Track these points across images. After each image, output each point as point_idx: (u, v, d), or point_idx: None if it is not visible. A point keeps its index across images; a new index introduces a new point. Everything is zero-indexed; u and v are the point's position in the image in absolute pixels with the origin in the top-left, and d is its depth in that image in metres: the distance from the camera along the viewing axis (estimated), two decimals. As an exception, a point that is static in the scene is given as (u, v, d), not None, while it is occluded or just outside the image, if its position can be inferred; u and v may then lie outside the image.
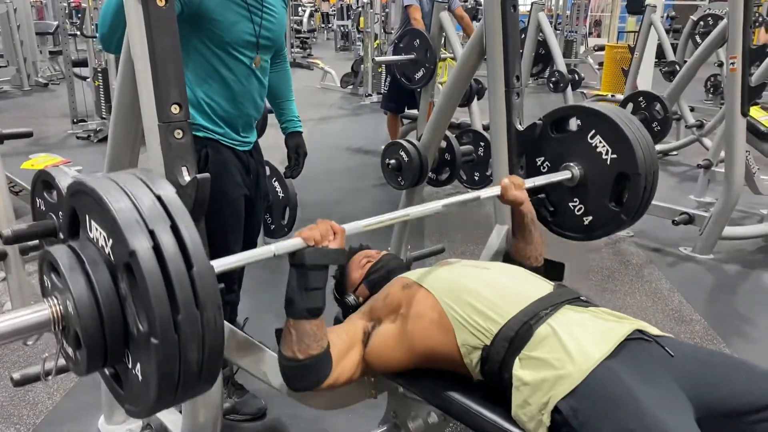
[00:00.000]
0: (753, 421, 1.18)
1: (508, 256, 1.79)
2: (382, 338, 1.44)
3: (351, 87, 9.57)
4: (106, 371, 1.07)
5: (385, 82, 5.28)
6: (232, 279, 1.91)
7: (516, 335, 1.30)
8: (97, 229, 0.97)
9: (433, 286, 1.45)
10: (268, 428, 2.09)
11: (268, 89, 1.99)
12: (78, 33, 6.90)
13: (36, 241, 2.13)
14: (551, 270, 1.73)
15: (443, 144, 3.38)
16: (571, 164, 1.78)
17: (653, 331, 1.32)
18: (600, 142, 1.73)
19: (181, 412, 1.50)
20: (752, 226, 3.94)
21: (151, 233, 0.91)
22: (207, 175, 1.26)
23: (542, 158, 1.87)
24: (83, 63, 6.86)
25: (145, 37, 1.21)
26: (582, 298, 1.43)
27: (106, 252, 0.96)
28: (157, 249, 0.90)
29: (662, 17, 8.06)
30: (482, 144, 3.72)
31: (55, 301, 0.99)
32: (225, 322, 1.37)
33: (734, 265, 3.57)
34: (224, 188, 1.83)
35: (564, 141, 1.82)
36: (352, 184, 4.82)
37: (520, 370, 1.26)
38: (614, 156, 1.71)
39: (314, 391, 1.39)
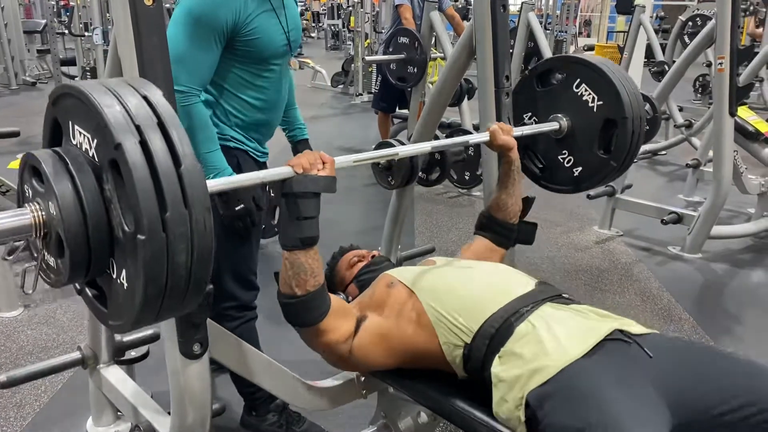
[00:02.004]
0: (735, 420, 1.17)
1: (487, 214, 1.75)
2: (367, 334, 1.44)
3: (341, 86, 9.56)
4: (88, 292, 1.04)
5: (376, 81, 5.28)
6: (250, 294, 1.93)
7: (496, 333, 1.31)
8: (80, 133, 0.95)
9: (415, 285, 1.45)
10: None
11: None
12: (66, 31, 6.85)
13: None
14: (523, 210, 1.75)
15: (433, 143, 3.38)
16: (559, 115, 1.78)
17: (636, 329, 1.31)
18: (586, 90, 1.73)
19: (169, 413, 1.49)
20: (740, 226, 3.96)
21: (138, 129, 0.88)
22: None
23: (529, 113, 1.86)
24: (71, 62, 6.83)
25: (132, 36, 1.20)
26: (564, 295, 1.44)
27: (90, 154, 0.94)
28: (144, 144, 0.87)
29: (651, 17, 8.10)
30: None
31: (37, 206, 0.96)
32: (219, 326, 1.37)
33: (722, 264, 3.59)
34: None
35: (550, 94, 1.82)
36: (343, 184, 4.79)
37: (498, 367, 1.27)
38: (600, 102, 1.71)
39: (312, 334, 1.39)
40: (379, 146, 2.52)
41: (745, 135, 3.75)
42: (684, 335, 2.75)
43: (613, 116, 1.70)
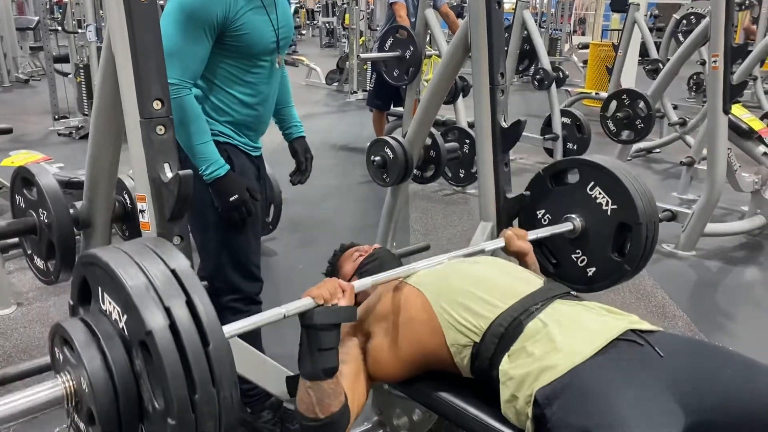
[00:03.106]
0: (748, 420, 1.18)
1: None
2: (376, 352, 1.44)
3: (336, 84, 9.54)
4: None
5: (371, 79, 5.28)
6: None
7: (506, 331, 1.30)
8: (110, 303, 0.96)
9: (422, 286, 1.44)
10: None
11: None
12: (59, 28, 6.81)
13: (16, 239, 2.10)
14: None
15: (428, 141, 3.38)
16: (572, 216, 1.78)
17: (644, 326, 1.31)
18: (600, 193, 1.73)
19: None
20: (734, 223, 3.97)
21: (167, 310, 0.90)
22: (189, 171, 1.24)
23: (543, 211, 1.86)
24: (65, 59, 6.78)
25: (126, 32, 1.20)
26: (572, 293, 1.44)
27: (120, 326, 0.95)
28: (173, 327, 0.89)
29: (646, 15, 8.12)
30: (467, 141, 3.73)
31: (68, 376, 0.98)
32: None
33: (716, 262, 3.60)
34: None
35: (564, 193, 1.82)
36: (338, 181, 4.80)
37: (507, 365, 1.26)
38: (614, 207, 1.71)
39: None
40: (374, 143, 2.53)
41: (739, 133, 3.76)
42: (679, 333, 2.76)
43: (627, 221, 1.70)
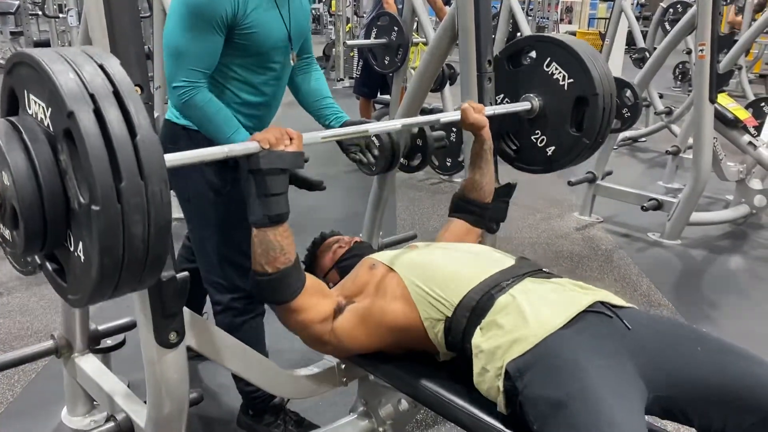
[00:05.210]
0: (708, 397, 1.18)
1: (461, 196, 1.74)
2: (351, 316, 1.44)
3: (323, 71, 9.47)
4: (49, 266, 1.03)
5: (358, 66, 5.24)
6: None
7: (477, 305, 1.31)
8: (36, 102, 0.93)
9: (397, 265, 1.46)
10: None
11: (306, 95, 1.92)
12: (40, 13, 6.70)
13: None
14: (501, 190, 1.74)
15: (415, 129, 3.36)
16: (530, 95, 1.79)
17: (615, 301, 1.33)
18: (556, 68, 1.74)
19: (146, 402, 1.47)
20: (719, 212, 4.00)
21: (92, 98, 0.87)
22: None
23: (501, 95, 1.87)
24: (46, 44, 6.68)
25: (104, 17, 1.16)
26: (544, 270, 1.45)
27: (45, 124, 0.93)
28: (98, 113, 0.86)
29: (632, 4, 8.12)
30: (454, 130, 3.70)
31: None
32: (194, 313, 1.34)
33: (701, 250, 3.63)
34: None
35: (521, 74, 1.83)
36: (324, 171, 4.76)
37: (479, 338, 1.28)
38: (571, 80, 1.73)
39: (286, 311, 1.38)
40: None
41: (725, 122, 3.77)
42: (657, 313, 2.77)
43: (584, 93, 1.71)
